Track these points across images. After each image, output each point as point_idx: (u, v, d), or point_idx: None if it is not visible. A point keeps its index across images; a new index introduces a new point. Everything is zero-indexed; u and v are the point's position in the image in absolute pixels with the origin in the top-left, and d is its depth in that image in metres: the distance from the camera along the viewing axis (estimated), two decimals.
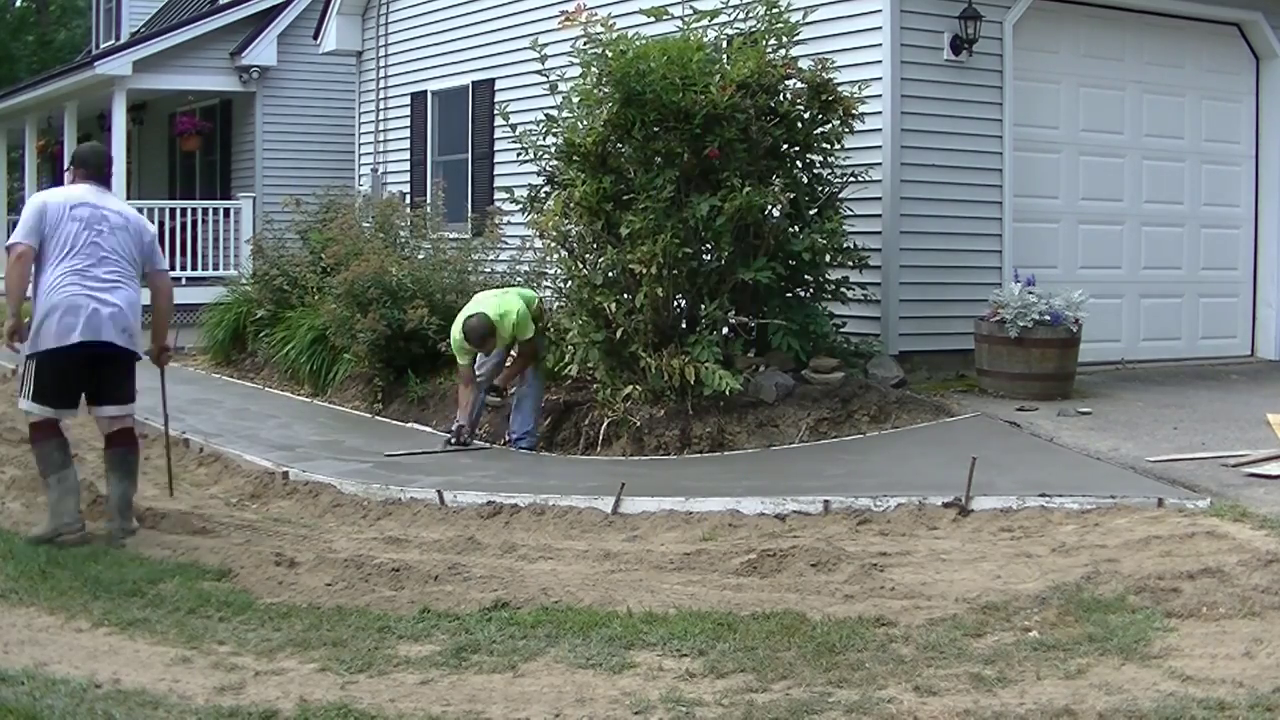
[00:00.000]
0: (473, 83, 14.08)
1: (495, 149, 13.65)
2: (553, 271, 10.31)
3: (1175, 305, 11.23)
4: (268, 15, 18.41)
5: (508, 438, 9.24)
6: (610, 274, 8.89)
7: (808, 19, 9.55)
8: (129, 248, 6.61)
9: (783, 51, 9.15)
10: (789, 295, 9.10)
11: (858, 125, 9.17)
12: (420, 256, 11.62)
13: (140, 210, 18.36)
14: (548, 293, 10.63)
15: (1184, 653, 4.42)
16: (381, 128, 15.89)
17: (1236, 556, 5.43)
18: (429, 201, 13.40)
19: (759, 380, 8.71)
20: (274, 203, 16.03)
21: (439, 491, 7.67)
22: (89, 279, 6.40)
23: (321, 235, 12.65)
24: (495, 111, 12.69)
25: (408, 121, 15.36)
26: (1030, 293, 9.04)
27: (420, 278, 10.78)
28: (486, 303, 9.12)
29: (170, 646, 4.83)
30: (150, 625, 5.10)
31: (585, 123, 8.88)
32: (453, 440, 9.12)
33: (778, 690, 4.25)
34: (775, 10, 9.24)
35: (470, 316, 8.94)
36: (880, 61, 9.56)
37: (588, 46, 8.88)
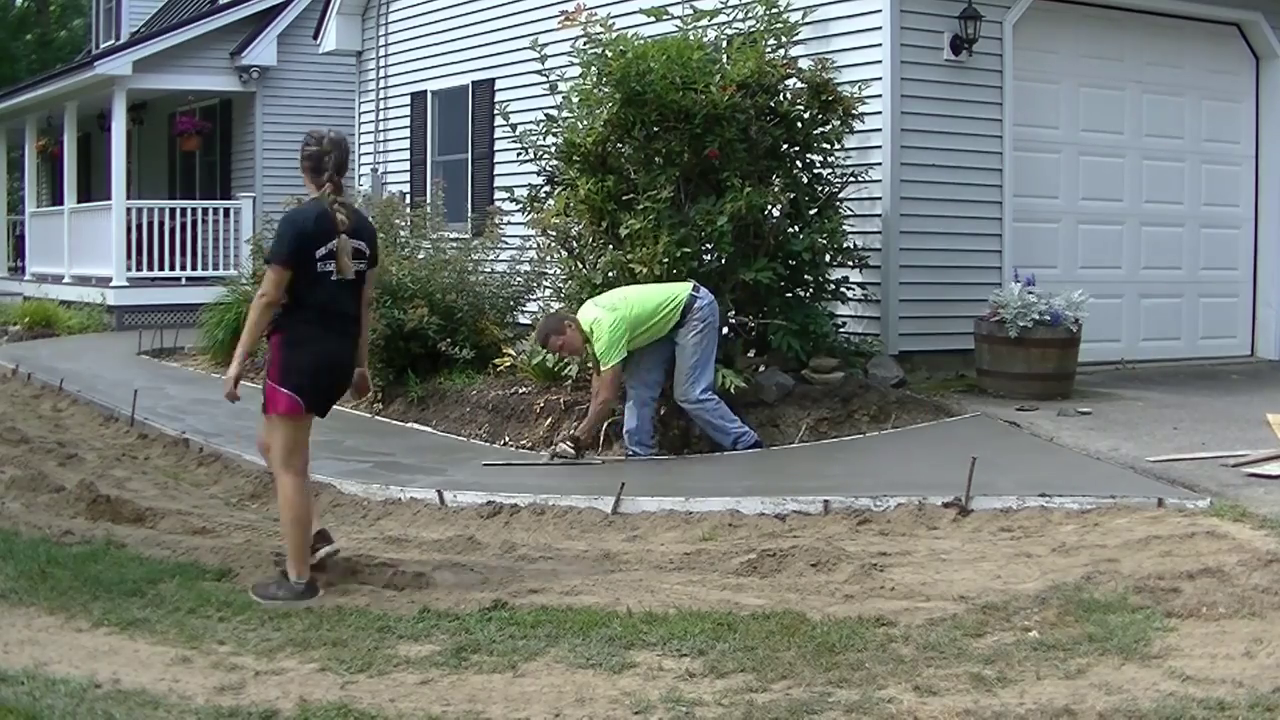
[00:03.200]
0: (473, 83, 14.09)
1: (495, 149, 13.65)
2: (553, 271, 10.32)
3: (1175, 305, 11.23)
4: (268, 15, 18.42)
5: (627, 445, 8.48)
6: (610, 274, 8.89)
7: (807, 19, 9.56)
8: None
9: (782, 51, 9.16)
10: (789, 295, 9.09)
11: (858, 125, 9.17)
12: (420, 256, 11.60)
13: (140, 210, 18.55)
14: (547, 293, 10.64)
15: (1184, 653, 4.42)
16: (381, 128, 15.89)
17: (1236, 556, 5.43)
18: (429, 201, 13.39)
19: (759, 380, 8.71)
20: (274, 203, 16.03)
21: (439, 491, 7.67)
22: None
23: None
24: (495, 111, 12.69)
25: (408, 121, 15.36)
26: (1030, 293, 9.04)
27: (420, 278, 10.78)
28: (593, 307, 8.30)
29: (170, 646, 4.83)
30: (150, 625, 5.10)
31: (585, 123, 8.88)
32: (560, 451, 8.34)
33: (778, 690, 4.25)
34: (774, 10, 9.24)
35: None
36: (880, 61, 9.56)
37: (588, 46, 8.89)
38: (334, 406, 6.02)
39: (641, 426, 8.36)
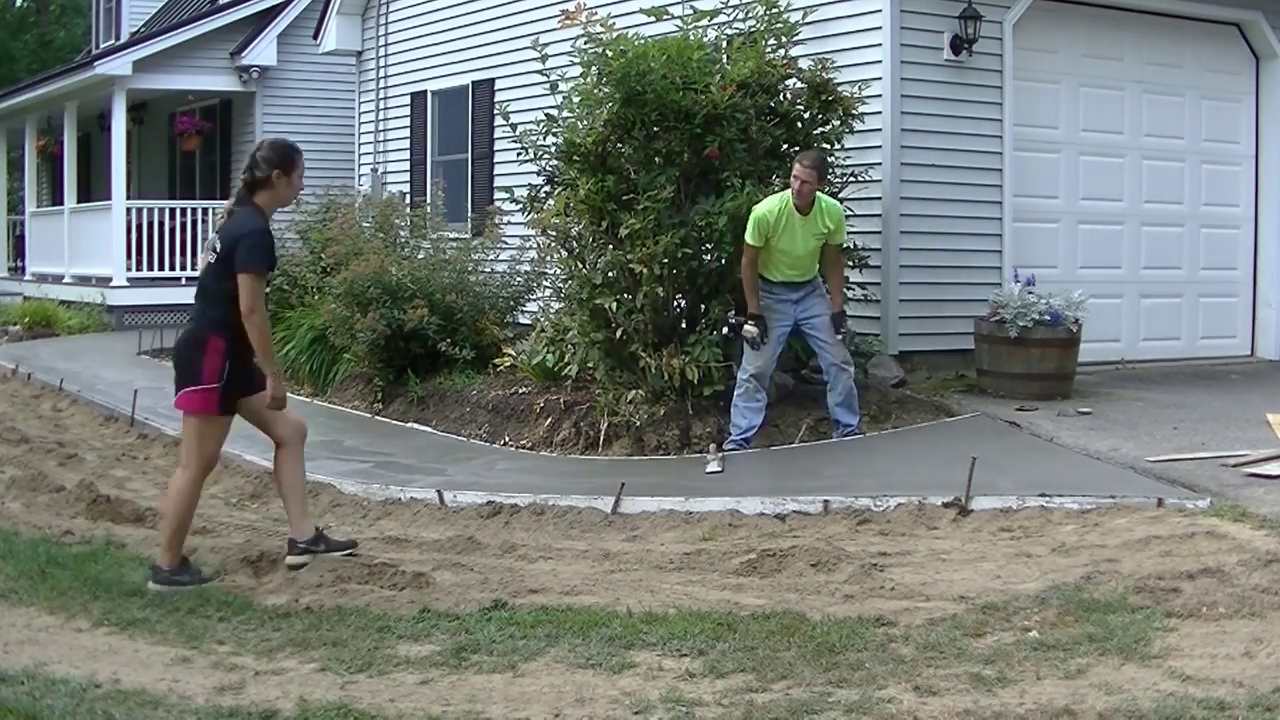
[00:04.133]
0: (473, 83, 14.09)
1: (495, 149, 13.65)
2: (553, 271, 10.32)
3: (1175, 305, 11.22)
4: (268, 15, 18.42)
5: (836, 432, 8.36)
6: (610, 274, 8.89)
7: (807, 19, 9.55)
8: None
9: (782, 51, 9.15)
10: None
11: (858, 125, 9.17)
12: (420, 256, 11.62)
13: (140, 210, 18.52)
14: (547, 293, 10.64)
15: (1184, 653, 4.42)
16: (381, 128, 15.89)
17: (1236, 556, 5.43)
18: (429, 201, 13.40)
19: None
20: None
21: (439, 491, 7.67)
22: None
23: (321, 235, 12.66)
24: (495, 111, 12.69)
25: (408, 121, 15.36)
26: (1030, 293, 9.04)
27: (420, 278, 10.78)
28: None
29: (170, 646, 4.83)
30: (150, 625, 5.10)
31: (585, 123, 8.87)
32: (735, 326, 8.37)
33: (778, 690, 4.25)
34: (775, 10, 9.24)
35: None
36: (880, 61, 9.56)
37: (588, 46, 8.88)
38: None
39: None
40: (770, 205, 8.07)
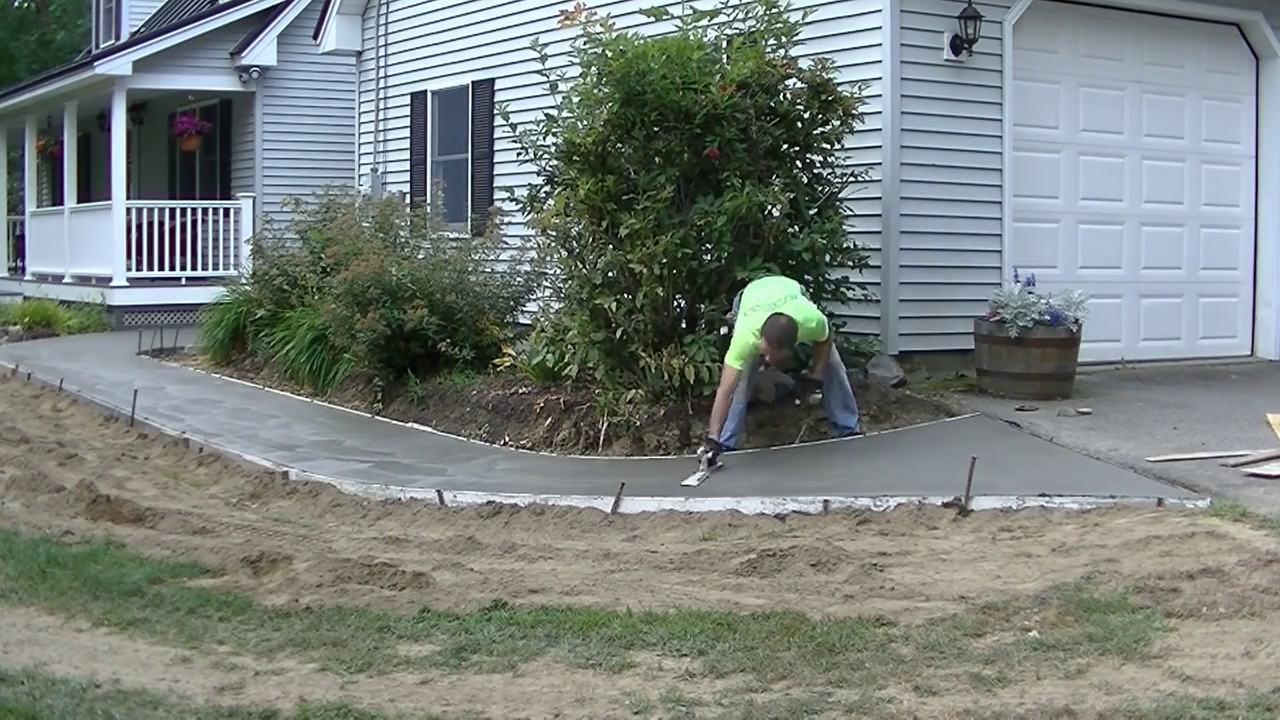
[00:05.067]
0: (473, 83, 14.09)
1: (495, 149, 13.66)
2: (553, 271, 10.32)
3: (1175, 305, 11.22)
4: (268, 15, 18.43)
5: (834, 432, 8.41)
6: (610, 274, 8.89)
7: (807, 19, 9.54)
8: None
9: (782, 51, 9.15)
10: None
11: (858, 125, 9.16)
12: (420, 256, 11.61)
13: (140, 210, 18.56)
14: (547, 293, 10.64)
15: (1184, 653, 4.42)
16: (381, 128, 15.90)
17: (1236, 556, 5.43)
18: (429, 201, 13.40)
19: (758, 380, 8.69)
20: (274, 203, 16.05)
21: (439, 491, 7.67)
22: None
23: (321, 235, 12.67)
24: (495, 111, 12.69)
25: (408, 121, 15.36)
26: (1030, 293, 9.05)
27: (420, 278, 10.78)
28: (786, 304, 7.90)
29: (170, 646, 4.83)
30: (150, 625, 5.10)
31: (585, 123, 8.87)
32: (711, 458, 7.79)
33: (778, 690, 4.25)
34: (774, 10, 9.23)
35: (776, 315, 7.77)
36: (880, 61, 9.56)
37: (588, 46, 8.88)
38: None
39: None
40: None
